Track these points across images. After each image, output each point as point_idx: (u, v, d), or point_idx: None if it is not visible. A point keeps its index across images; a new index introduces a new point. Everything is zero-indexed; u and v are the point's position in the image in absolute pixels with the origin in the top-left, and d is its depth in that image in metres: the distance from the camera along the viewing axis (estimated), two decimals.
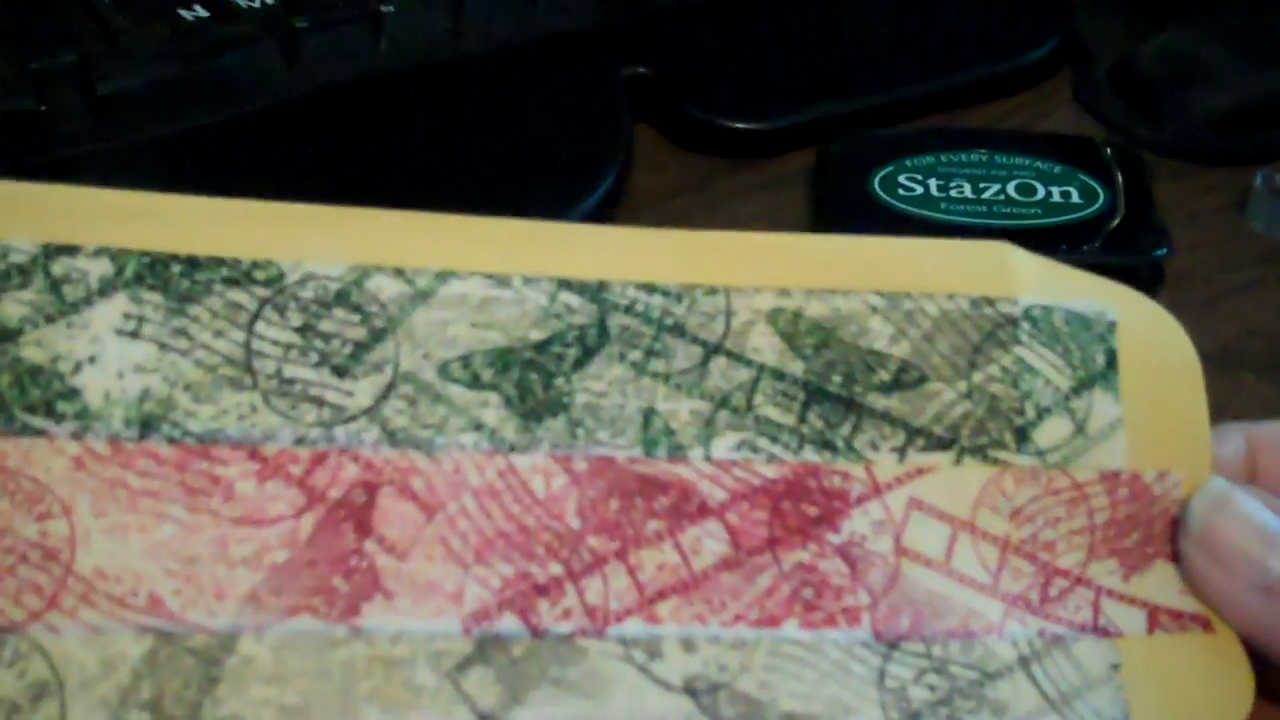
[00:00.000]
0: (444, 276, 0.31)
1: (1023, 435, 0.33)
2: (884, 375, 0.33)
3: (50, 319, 0.28)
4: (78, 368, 0.28)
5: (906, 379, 0.33)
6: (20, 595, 0.27)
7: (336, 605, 0.28)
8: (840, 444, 0.32)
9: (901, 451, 0.33)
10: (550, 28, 0.34)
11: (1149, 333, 0.35)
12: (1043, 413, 0.33)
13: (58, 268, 0.29)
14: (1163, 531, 0.34)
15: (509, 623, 0.29)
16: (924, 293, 0.34)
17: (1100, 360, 0.34)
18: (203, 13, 0.33)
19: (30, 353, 0.28)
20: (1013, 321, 0.34)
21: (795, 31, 0.36)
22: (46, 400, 0.28)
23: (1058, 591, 0.32)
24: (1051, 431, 0.33)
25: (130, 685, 0.27)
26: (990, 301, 0.34)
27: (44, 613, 0.27)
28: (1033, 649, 0.32)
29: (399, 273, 0.31)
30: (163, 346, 0.29)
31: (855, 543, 0.31)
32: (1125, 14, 0.41)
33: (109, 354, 0.28)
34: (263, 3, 0.33)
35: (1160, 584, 0.33)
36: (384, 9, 0.34)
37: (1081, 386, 0.34)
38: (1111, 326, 0.34)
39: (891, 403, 0.33)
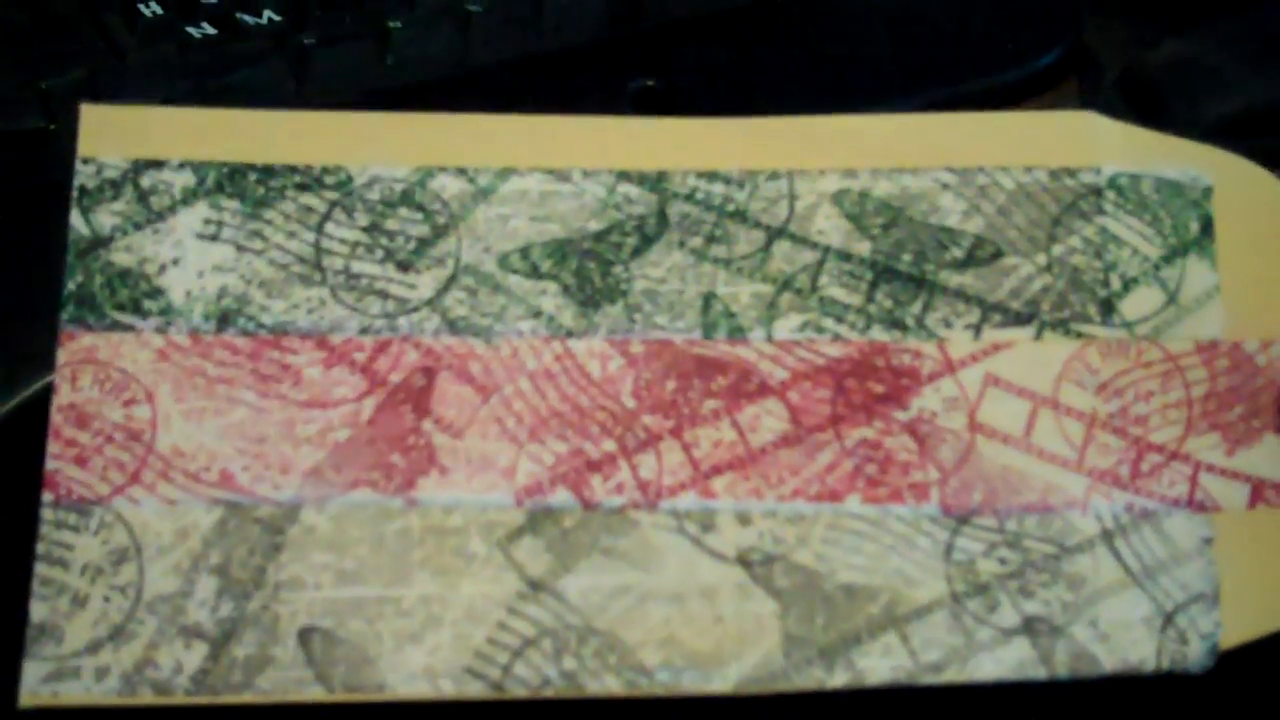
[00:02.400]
0: (504, 174, 0.32)
1: (1108, 307, 0.32)
2: (956, 252, 0.32)
3: (138, 226, 0.31)
4: (162, 269, 0.30)
5: (981, 255, 0.32)
6: (106, 472, 0.29)
7: (394, 479, 0.29)
8: (910, 322, 0.31)
9: (977, 328, 0.31)
10: (557, 42, 0.35)
11: (1249, 197, 0.33)
12: (1129, 283, 0.32)
13: (145, 180, 0.31)
14: (1270, 403, 0.31)
15: (561, 496, 0.29)
16: (999, 166, 0.32)
17: (1194, 227, 0.32)
18: (211, 30, 0.35)
19: (120, 257, 0.30)
20: (1096, 191, 0.32)
21: (800, 43, 0.36)
22: (134, 299, 0.30)
23: (1150, 467, 0.31)
24: (1140, 302, 0.32)
25: (201, 551, 0.28)
26: (1071, 172, 0.32)
27: (126, 487, 0.29)
28: (1118, 523, 0.30)
29: (461, 172, 0.32)
30: (239, 248, 0.31)
31: (925, 419, 0.31)
32: (1133, 22, 0.39)
33: (190, 256, 0.31)
34: (270, 20, 0.35)
35: (1269, 457, 0.31)
36: (392, 25, 0.35)
37: (1173, 255, 0.32)
38: (1207, 192, 0.32)
39: (965, 279, 0.32)
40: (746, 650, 0.29)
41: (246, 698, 0.28)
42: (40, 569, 0.28)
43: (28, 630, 0.28)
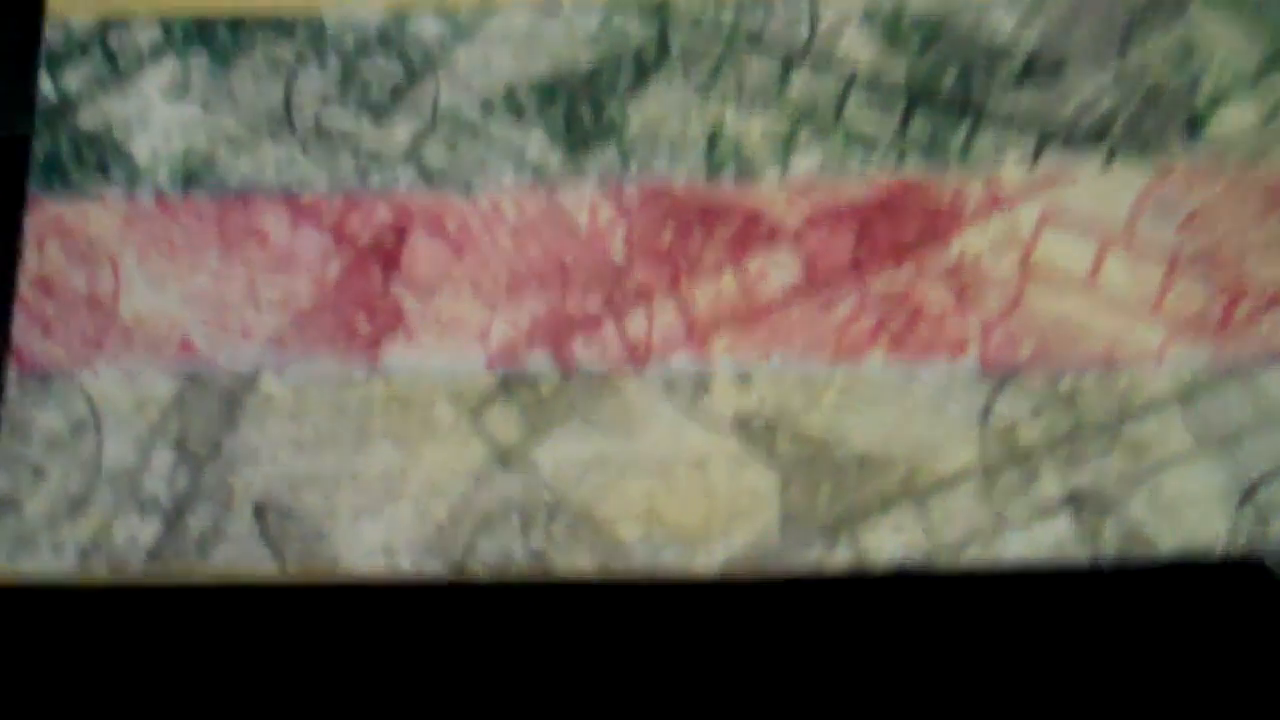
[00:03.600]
0: (487, 9, 0.29)
1: (1194, 126, 0.26)
2: (1008, 70, 0.27)
3: (105, 88, 0.29)
4: (129, 130, 0.29)
5: (1038, 71, 0.27)
6: (70, 342, 0.28)
7: (358, 344, 0.27)
8: (953, 154, 0.27)
9: (1034, 156, 0.27)
10: None
11: None
12: (1220, 97, 0.26)
13: (113, 40, 0.29)
14: None
15: (538, 359, 0.27)
16: None
17: None
18: None
19: (87, 120, 0.29)
20: None
21: None
22: (101, 163, 0.29)
23: (1246, 313, 0.25)
24: (1233, 120, 0.27)
25: (159, 423, 0.27)
26: None
27: (90, 357, 0.27)
28: (1197, 380, 0.25)
29: (440, 10, 0.29)
30: (207, 105, 0.29)
31: (966, 265, 0.26)
32: None
33: (157, 115, 0.29)
34: None
35: None
36: None
37: (1273, 63, 0.26)
38: None
39: (1020, 100, 0.27)
40: (737, 526, 0.25)
41: (200, 571, 0.26)
42: (2, 441, 0.27)
43: None
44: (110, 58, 0.30)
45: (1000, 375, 0.26)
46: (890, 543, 0.25)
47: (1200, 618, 0.24)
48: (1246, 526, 0.24)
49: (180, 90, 0.29)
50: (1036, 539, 0.25)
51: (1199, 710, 0.24)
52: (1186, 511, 0.24)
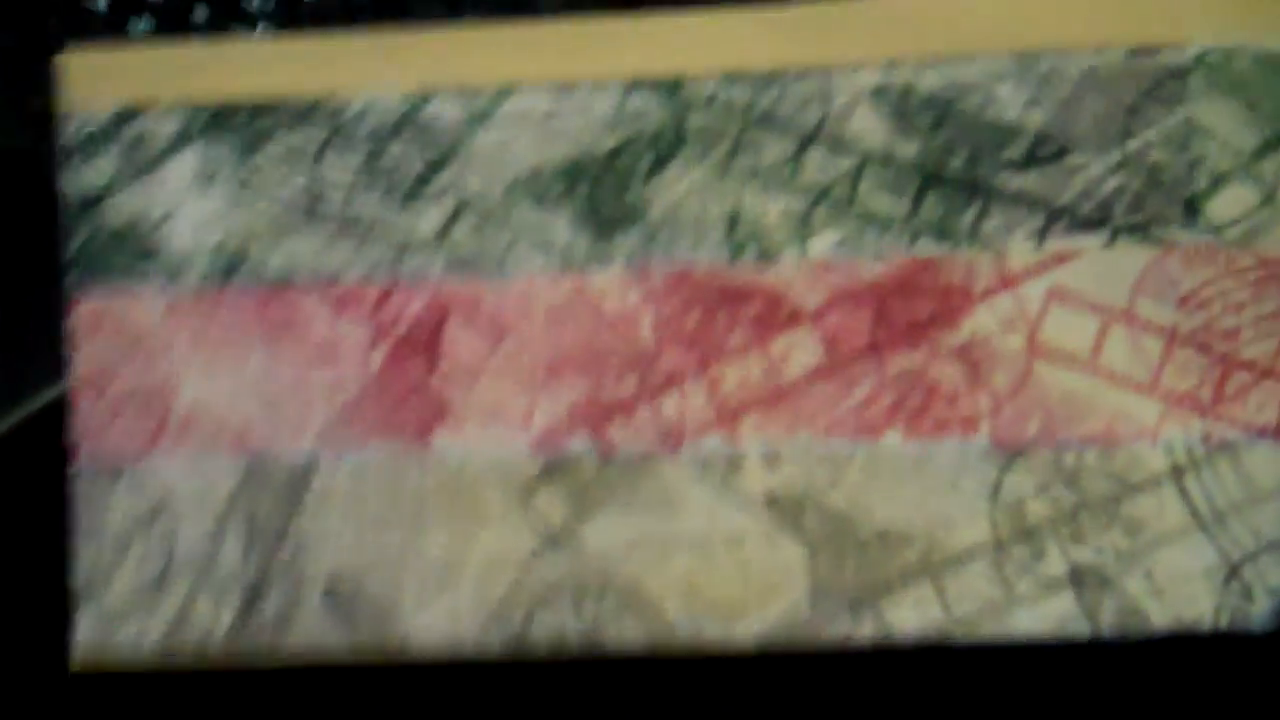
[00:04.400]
0: (504, 93, 0.30)
1: (1192, 209, 0.28)
2: (1016, 150, 0.29)
3: (129, 180, 0.30)
4: (159, 223, 0.30)
5: (1044, 153, 0.29)
6: (131, 434, 0.29)
7: (406, 432, 0.29)
8: (963, 233, 0.29)
9: (1040, 236, 0.29)
10: None
11: None
12: (1218, 180, 0.28)
13: (131, 131, 0.30)
14: None
15: (579, 443, 0.28)
16: (1064, 49, 0.29)
17: None
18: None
19: (115, 215, 0.30)
20: (1181, 73, 0.29)
21: None
22: (135, 257, 0.30)
23: (1236, 388, 0.28)
24: (1230, 202, 0.28)
25: (226, 510, 0.29)
26: (1151, 51, 0.29)
27: (152, 447, 0.29)
28: (1191, 457, 0.27)
29: (458, 94, 0.30)
30: (234, 196, 0.30)
31: (977, 343, 0.28)
32: None
33: (185, 208, 0.30)
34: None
35: None
36: None
37: (1271, 145, 0.28)
38: None
39: (1026, 181, 0.29)
40: (771, 600, 0.28)
41: (276, 652, 0.28)
42: (77, 536, 0.29)
43: (72, 592, 0.29)
44: (130, 149, 0.30)
45: (1010, 452, 0.28)
46: (911, 616, 0.27)
47: (1192, 688, 0.27)
48: (1232, 603, 0.27)
49: (207, 180, 0.30)
50: (1043, 615, 0.27)
51: None
52: (1177, 589, 0.27)
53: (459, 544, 0.28)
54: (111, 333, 0.30)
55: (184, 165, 0.30)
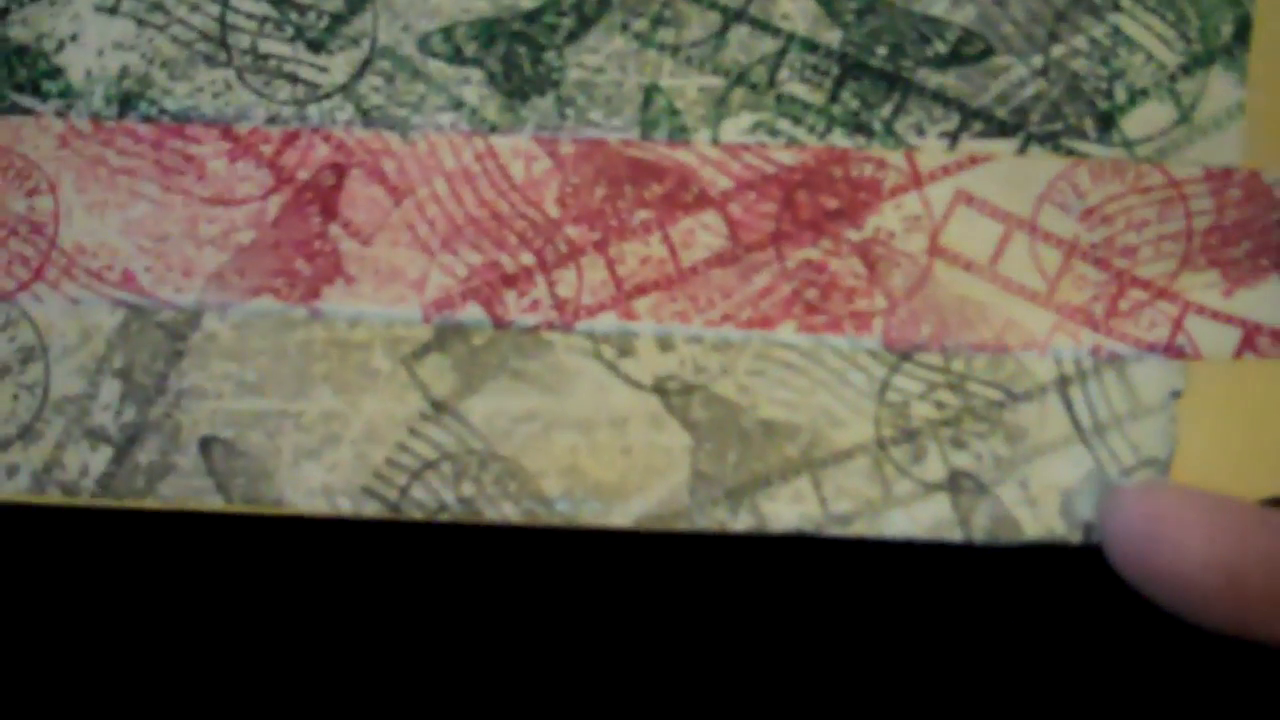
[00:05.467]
0: None
1: (1107, 121, 0.28)
2: (940, 46, 0.28)
3: None
4: (60, 46, 0.29)
5: (968, 51, 0.28)
6: (10, 266, 0.29)
7: (298, 287, 0.28)
8: (878, 127, 0.28)
9: (953, 137, 0.28)
10: None
11: None
12: (1137, 95, 0.28)
13: None
14: None
15: (472, 312, 0.28)
16: None
17: (1226, 30, 0.28)
18: None
19: (16, 32, 0.29)
20: None
21: None
22: (33, 79, 0.29)
23: (1130, 305, 0.28)
24: (1146, 118, 0.28)
25: (105, 354, 0.28)
26: None
27: (31, 283, 0.29)
28: (1079, 369, 0.28)
29: None
30: (140, 22, 0.29)
31: (880, 240, 0.28)
32: None
33: (89, 31, 0.29)
34: None
35: (1270, 300, 0.28)
36: None
37: (1195, 64, 0.28)
38: None
39: (947, 79, 0.28)
40: (652, 484, 0.28)
41: (149, 503, 0.28)
42: None
43: None
44: None
45: (900, 352, 0.28)
46: (787, 511, 0.28)
47: (1053, 600, 0.28)
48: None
49: (112, 4, 0.29)
50: (916, 517, 0.28)
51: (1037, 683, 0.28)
52: (1051, 500, 0.28)
53: (342, 406, 0.28)
54: (1, 155, 0.29)
55: None
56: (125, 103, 0.29)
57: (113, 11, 0.29)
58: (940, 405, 0.28)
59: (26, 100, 0.29)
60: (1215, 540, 0.25)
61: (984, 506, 0.28)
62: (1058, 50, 0.29)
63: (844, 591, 0.29)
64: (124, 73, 0.29)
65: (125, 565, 0.29)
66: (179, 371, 0.29)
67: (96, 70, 0.29)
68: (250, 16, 0.29)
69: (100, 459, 0.29)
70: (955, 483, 0.28)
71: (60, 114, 0.29)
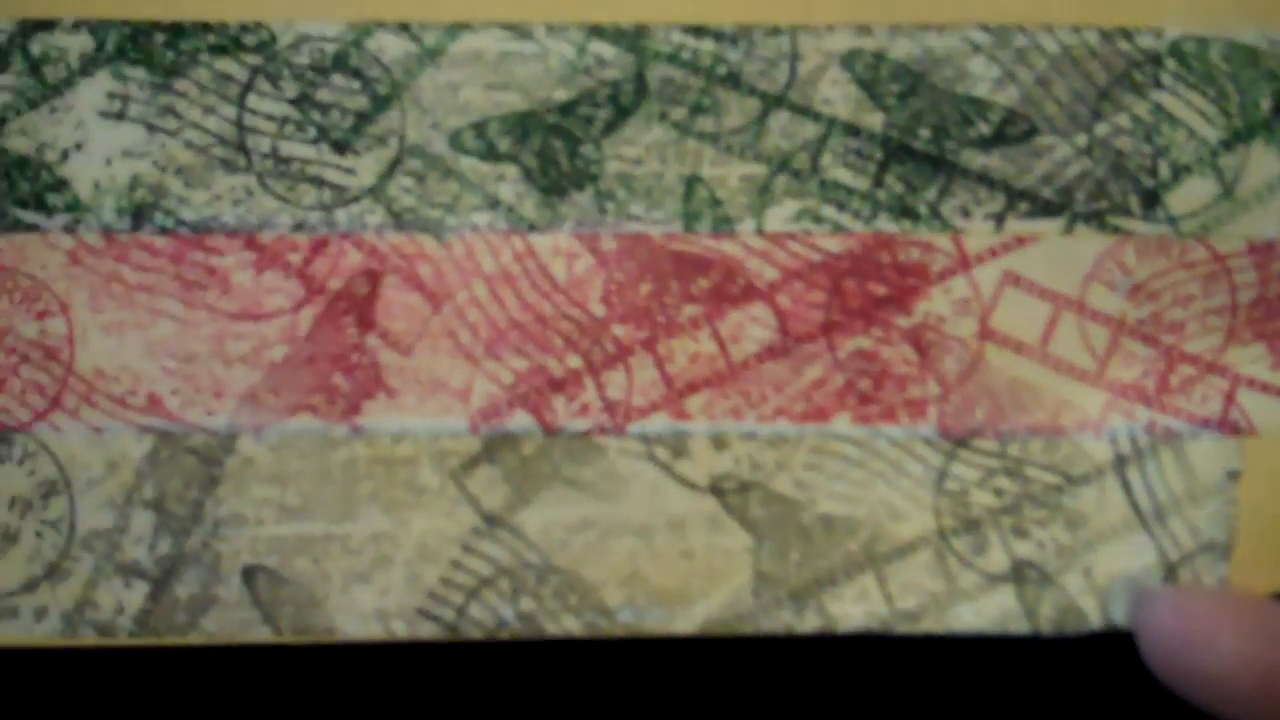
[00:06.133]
0: (454, 30, 0.28)
1: (1152, 199, 0.28)
2: (983, 128, 0.28)
3: (33, 104, 0.27)
4: (65, 155, 0.27)
5: (1012, 132, 0.28)
6: (25, 395, 0.27)
7: (337, 404, 0.27)
8: (923, 210, 0.28)
9: (999, 218, 0.28)
10: None
11: None
12: (1180, 172, 0.28)
13: (36, 46, 0.27)
14: None
15: (520, 419, 0.27)
16: (1041, 25, 0.28)
17: (1265, 105, 0.28)
18: None
19: (15, 142, 0.27)
20: (1154, 59, 0.28)
21: None
22: (36, 193, 0.27)
23: (1180, 380, 0.28)
24: (1189, 194, 0.28)
25: (134, 484, 0.27)
26: (1128, 34, 0.28)
27: (48, 413, 0.27)
28: (1135, 447, 0.28)
29: (403, 29, 0.28)
30: (150, 128, 0.27)
31: (930, 325, 0.28)
32: None
33: (95, 138, 0.27)
34: None
35: None
36: None
37: (1236, 139, 0.28)
38: None
39: (991, 161, 0.28)
40: (714, 588, 0.28)
41: (192, 638, 0.27)
42: None
43: None
44: (34, 69, 0.28)
45: (955, 439, 0.28)
46: (853, 611, 0.28)
47: (1122, 686, 0.28)
48: None
49: (119, 109, 0.28)
50: (983, 611, 0.28)
51: None
52: (1116, 588, 0.28)
53: (391, 525, 0.27)
54: (5, 277, 0.27)
55: (95, 90, 0.27)
56: (139, 214, 0.28)
57: (119, 117, 0.28)
58: (999, 492, 0.28)
59: (30, 216, 0.27)
60: (1248, 639, 0.25)
61: (1049, 597, 0.28)
62: (1101, 129, 0.28)
63: (913, 686, 0.29)
64: (135, 182, 0.28)
65: (170, 704, 0.27)
66: (215, 499, 0.27)
67: (105, 180, 0.28)
68: (269, 117, 0.28)
69: (136, 595, 0.27)
70: (1019, 573, 0.28)
71: (68, 229, 0.27)
